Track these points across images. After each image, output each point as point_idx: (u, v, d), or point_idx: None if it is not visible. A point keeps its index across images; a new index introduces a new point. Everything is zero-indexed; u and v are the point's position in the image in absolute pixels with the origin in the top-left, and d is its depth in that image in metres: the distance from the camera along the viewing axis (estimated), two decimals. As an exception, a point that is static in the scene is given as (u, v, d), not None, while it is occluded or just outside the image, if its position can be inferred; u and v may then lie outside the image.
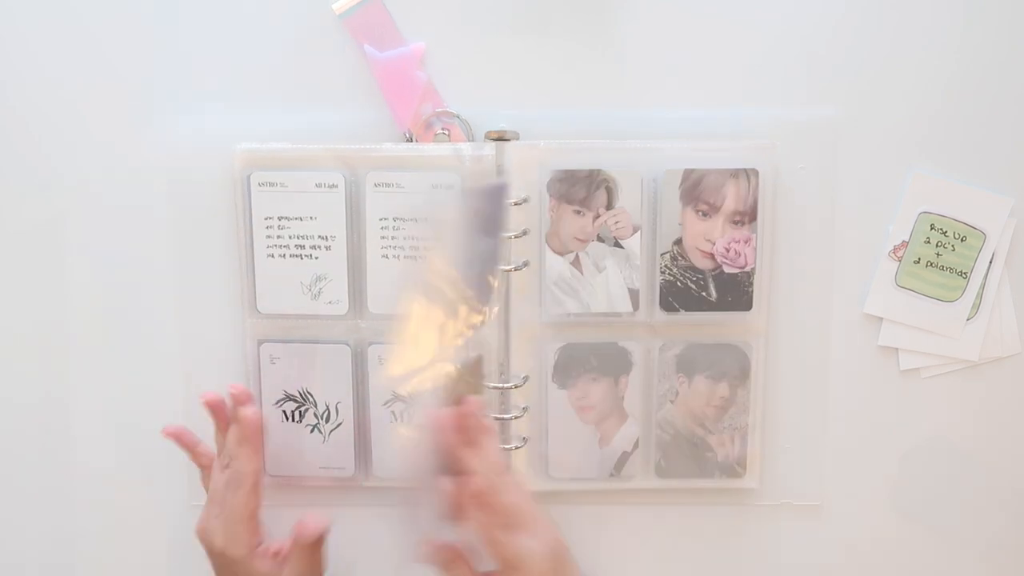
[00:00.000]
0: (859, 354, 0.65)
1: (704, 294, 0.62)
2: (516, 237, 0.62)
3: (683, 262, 0.62)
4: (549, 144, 0.62)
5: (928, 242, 0.64)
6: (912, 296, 0.64)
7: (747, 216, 0.61)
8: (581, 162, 0.61)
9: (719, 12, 0.62)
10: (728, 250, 0.62)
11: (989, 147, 0.63)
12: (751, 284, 0.62)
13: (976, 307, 0.64)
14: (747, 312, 0.62)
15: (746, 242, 0.62)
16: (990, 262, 0.64)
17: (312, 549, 0.59)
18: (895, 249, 0.64)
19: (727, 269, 0.62)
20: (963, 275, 0.64)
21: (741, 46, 0.63)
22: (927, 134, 0.63)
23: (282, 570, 0.59)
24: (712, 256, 0.62)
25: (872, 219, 0.64)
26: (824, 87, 0.63)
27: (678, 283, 0.62)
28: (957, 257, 0.64)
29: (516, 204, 0.62)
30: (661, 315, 0.62)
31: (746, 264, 0.62)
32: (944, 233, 0.64)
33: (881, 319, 0.65)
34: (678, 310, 0.62)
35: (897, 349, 0.65)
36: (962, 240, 0.64)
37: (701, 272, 0.62)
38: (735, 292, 0.62)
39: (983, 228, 0.63)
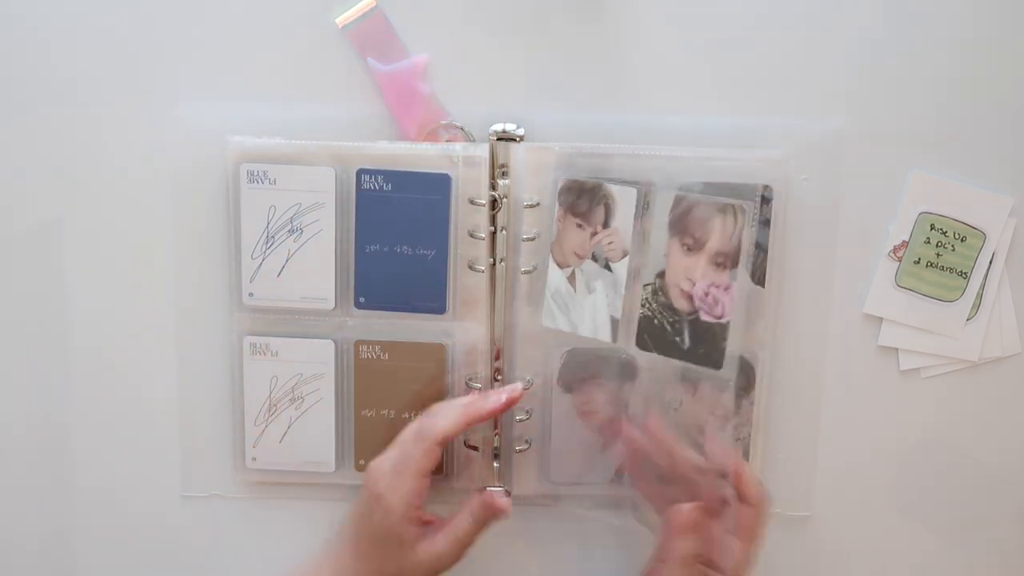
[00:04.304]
0: (859, 354, 0.65)
1: (678, 339, 0.60)
2: (527, 240, 0.62)
3: (662, 299, 0.60)
4: (563, 147, 0.61)
5: (928, 242, 0.64)
6: (912, 296, 0.64)
7: (730, 259, 0.60)
8: (593, 167, 0.60)
9: (722, 19, 0.62)
10: (707, 295, 0.60)
11: (989, 147, 0.63)
12: (725, 339, 0.60)
13: (976, 307, 0.64)
14: (717, 371, 0.60)
15: (726, 289, 0.60)
16: (990, 262, 0.64)
17: (474, 531, 0.59)
18: (895, 249, 0.64)
19: (703, 317, 0.60)
20: (963, 275, 0.64)
21: (742, 56, 0.62)
22: (927, 134, 0.63)
23: (434, 542, 0.58)
24: (691, 298, 0.60)
25: (872, 219, 0.64)
26: (825, 93, 0.62)
27: (655, 320, 0.61)
28: (957, 257, 0.64)
29: (529, 207, 0.61)
30: (636, 351, 0.61)
31: (723, 315, 0.60)
32: (944, 233, 0.64)
33: (881, 319, 0.64)
34: (651, 351, 0.61)
35: (897, 349, 0.65)
36: (962, 240, 0.64)
37: (678, 314, 0.60)
38: (708, 345, 0.60)
39: (983, 228, 0.63)
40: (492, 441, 0.64)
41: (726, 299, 0.60)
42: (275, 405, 0.64)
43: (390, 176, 0.61)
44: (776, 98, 0.63)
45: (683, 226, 0.60)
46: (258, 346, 0.63)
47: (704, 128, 0.62)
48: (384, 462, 0.58)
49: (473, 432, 0.64)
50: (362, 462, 0.64)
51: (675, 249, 0.60)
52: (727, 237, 0.60)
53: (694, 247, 0.60)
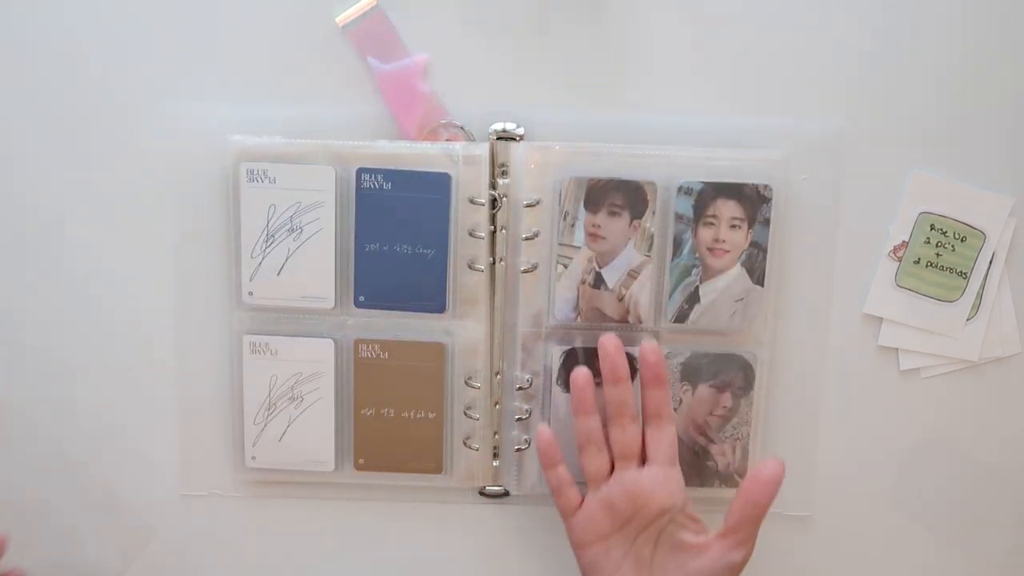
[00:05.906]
0: (859, 354, 0.65)
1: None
2: (527, 239, 0.62)
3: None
4: (564, 147, 0.61)
5: (928, 242, 0.64)
6: (912, 296, 0.64)
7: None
8: (596, 166, 0.61)
9: (722, 19, 0.62)
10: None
11: (989, 147, 0.63)
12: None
13: (976, 307, 0.64)
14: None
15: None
16: (990, 262, 0.64)
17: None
18: (895, 249, 0.64)
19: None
20: (963, 275, 0.64)
21: (742, 55, 0.62)
22: (927, 134, 0.63)
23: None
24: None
25: (872, 219, 0.64)
26: (825, 93, 0.62)
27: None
28: (957, 257, 0.64)
29: (529, 206, 0.61)
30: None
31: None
32: (944, 233, 0.64)
33: (881, 319, 0.64)
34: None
35: (897, 349, 0.65)
36: (962, 240, 0.64)
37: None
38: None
39: (983, 228, 0.63)
40: (492, 440, 0.64)
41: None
42: (274, 404, 0.64)
43: (390, 175, 0.61)
44: (776, 98, 0.63)
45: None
46: (258, 345, 0.63)
47: (704, 128, 0.62)
48: None
49: (473, 431, 0.64)
50: (361, 461, 0.64)
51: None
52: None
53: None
